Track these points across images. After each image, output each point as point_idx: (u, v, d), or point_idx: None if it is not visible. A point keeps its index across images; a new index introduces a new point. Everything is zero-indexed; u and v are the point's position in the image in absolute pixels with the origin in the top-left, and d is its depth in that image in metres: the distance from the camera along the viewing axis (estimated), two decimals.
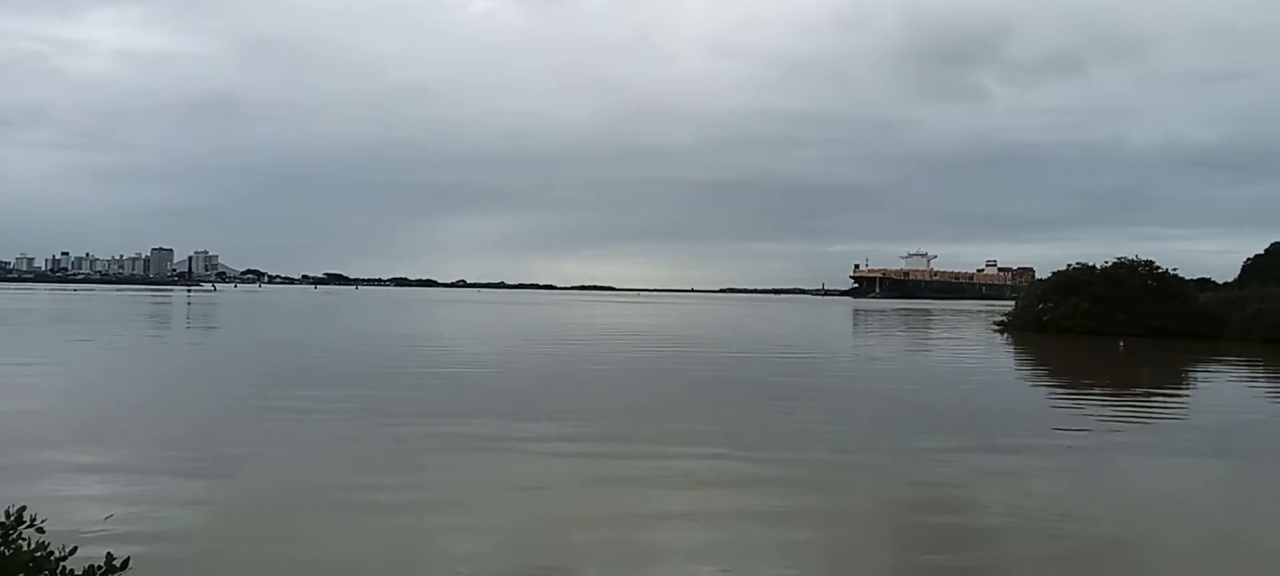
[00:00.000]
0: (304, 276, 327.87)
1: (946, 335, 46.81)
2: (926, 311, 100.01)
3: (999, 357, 31.82)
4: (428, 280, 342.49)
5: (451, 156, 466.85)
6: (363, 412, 14.83)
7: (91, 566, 3.62)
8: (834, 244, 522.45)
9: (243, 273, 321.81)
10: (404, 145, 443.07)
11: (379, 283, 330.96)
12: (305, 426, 13.44)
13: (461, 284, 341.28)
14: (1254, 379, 25.79)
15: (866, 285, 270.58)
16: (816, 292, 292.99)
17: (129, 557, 3.74)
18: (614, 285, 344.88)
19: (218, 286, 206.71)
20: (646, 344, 35.43)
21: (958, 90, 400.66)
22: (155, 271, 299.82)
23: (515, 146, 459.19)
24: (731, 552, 7.49)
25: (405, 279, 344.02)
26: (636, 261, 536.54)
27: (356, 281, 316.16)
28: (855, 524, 8.75)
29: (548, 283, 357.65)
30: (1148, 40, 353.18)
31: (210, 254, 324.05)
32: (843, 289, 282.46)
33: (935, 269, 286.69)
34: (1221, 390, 22.75)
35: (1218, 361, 30.49)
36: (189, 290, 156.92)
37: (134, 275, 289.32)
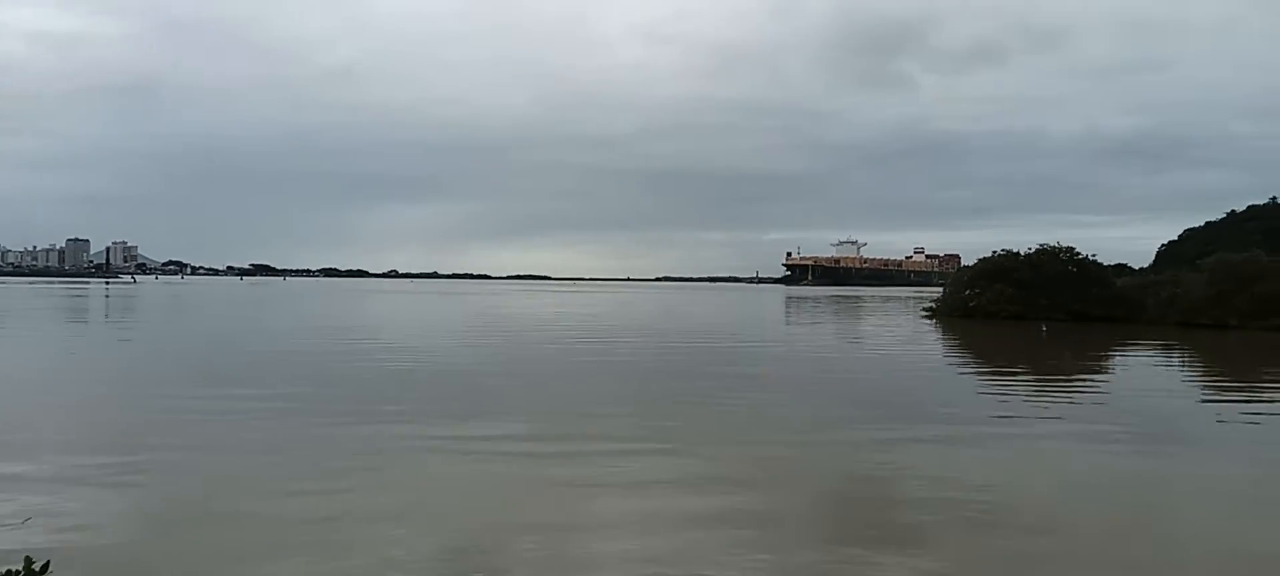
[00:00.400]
0: (229, 267, 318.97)
1: (878, 322, 47.71)
2: (858, 298, 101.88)
3: (930, 344, 32.48)
4: (359, 270, 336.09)
5: (383, 143, 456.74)
6: (291, 413, 14.35)
7: (7, 571, 3.41)
8: (769, 232, 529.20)
9: (164, 264, 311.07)
10: (333, 131, 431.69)
11: (308, 273, 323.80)
12: (230, 429, 12.84)
13: (393, 274, 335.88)
14: (1168, 362, 26.83)
15: (799, 273, 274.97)
16: (751, 280, 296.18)
17: (48, 562, 3.49)
18: (551, 275, 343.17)
19: (137, 278, 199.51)
20: (584, 335, 35.23)
21: (887, 79, 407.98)
22: (71, 263, 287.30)
23: (450, 133, 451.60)
24: (673, 558, 7.40)
25: (335, 269, 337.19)
26: (574, 250, 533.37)
27: (285, 272, 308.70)
28: (796, 521, 8.71)
29: (483, 272, 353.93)
30: (1066, 31, 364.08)
31: (129, 244, 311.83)
32: (777, 277, 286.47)
33: (865, 256, 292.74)
34: (1140, 373, 23.62)
35: (1135, 343, 31.70)
36: (107, 282, 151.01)
37: (48, 267, 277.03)
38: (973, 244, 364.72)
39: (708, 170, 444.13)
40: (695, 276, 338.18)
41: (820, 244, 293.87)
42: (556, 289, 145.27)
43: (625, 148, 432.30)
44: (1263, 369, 24.36)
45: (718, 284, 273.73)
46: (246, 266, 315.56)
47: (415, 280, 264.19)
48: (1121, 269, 70.04)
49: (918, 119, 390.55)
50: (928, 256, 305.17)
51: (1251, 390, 19.73)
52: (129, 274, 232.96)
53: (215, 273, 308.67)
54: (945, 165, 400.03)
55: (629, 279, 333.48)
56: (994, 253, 53.10)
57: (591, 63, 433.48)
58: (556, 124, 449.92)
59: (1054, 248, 50.85)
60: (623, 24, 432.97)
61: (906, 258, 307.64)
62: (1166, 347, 30.55)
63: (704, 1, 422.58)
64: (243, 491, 9.42)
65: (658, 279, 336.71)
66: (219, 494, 9.32)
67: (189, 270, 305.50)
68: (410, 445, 11.93)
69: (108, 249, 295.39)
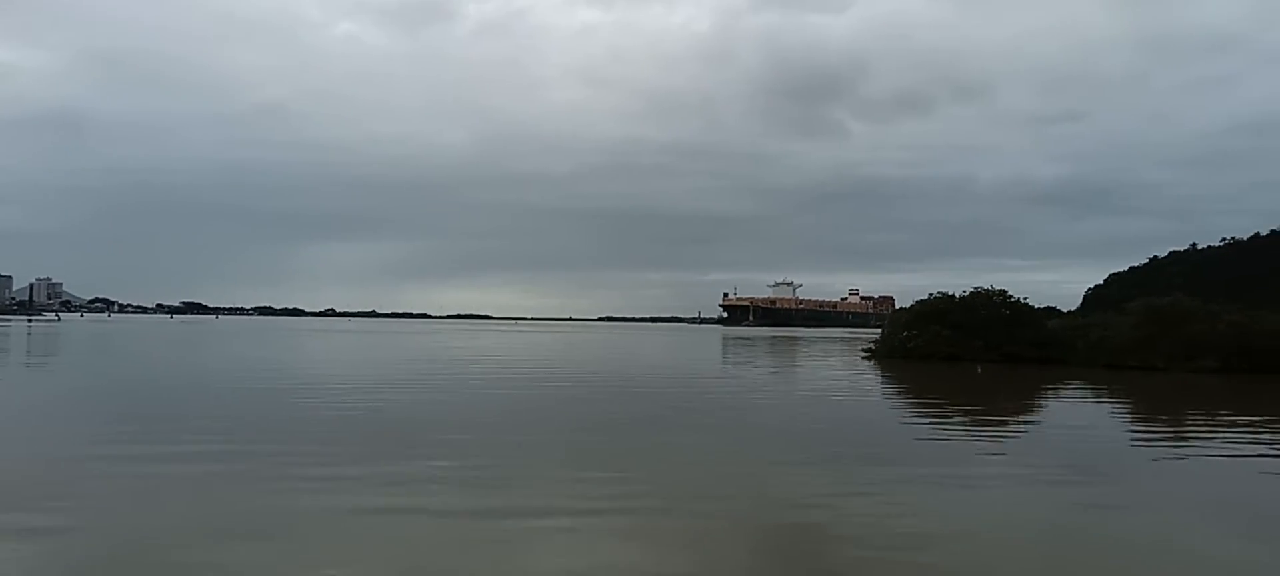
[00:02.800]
0: (159, 305, 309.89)
1: (822, 363, 48.06)
2: (798, 339, 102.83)
3: (872, 386, 32.75)
4: (294, 309, 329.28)
5: (319, 181, 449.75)
6: (219, 474, 13.77)
7: None
8: (710, 273, 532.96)
9: (90, 301, 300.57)
10: (266, 169, 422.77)
11: (241, 312, 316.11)
12: (148, 483, 12.17)
13: (331, 313, 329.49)
14: (1099, 403, 27.45)
15: (740, 313, 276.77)
16: (693, 320, 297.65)
17: None
18: (492, 314, 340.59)
19: (62, 315, 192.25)
20: (529, 377, 34.82)
21: (819, 126, 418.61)
22: None
23: (388, 172, 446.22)
24: None
25: (270, 308, 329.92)
26: (515, 290, 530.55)
27: (217, 310, 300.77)
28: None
29: (423, 312, 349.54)
30: (988, 83, 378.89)
31: (53, 281, 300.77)
32: (718, 317, 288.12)
33: (800, 297, 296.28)
34: (1072, 413, 24.07)
35: (1067, 385, 32.42)
36: (29, 320, 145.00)
37: None
38: (907, 286, 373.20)
39: (648, 211, 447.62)
40: (637, 316, 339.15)
41: (757, 285, 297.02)
42: (498, 329, 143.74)
43: (565, 188, 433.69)
44: (1188, 410, 25.01)
45: (659, 324, 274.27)
46: (177, 304, 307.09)
47: (353, 319, 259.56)
48: (1051, 311, 71.86)
49: (851, 164, 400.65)
50: (862, 298, 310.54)
51: (1179, 432, 20.20)
52: (53, 311, 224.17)
53: (144, 310, 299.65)
54: (878, 209, 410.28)
55: (571, 319, 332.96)
56: (930, 295, 54.13)
57: (529, 104, 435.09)
58: (496, 163, 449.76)
59: (988, 291, 51.99)
60: (558, 67, 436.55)
61: (841, 299, 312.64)
62: (1097, 389, 31.29)
63: (639, 48, 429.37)
64: (152, 553, 8.92)
65: (599, 319, 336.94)
66: (127, 556, 8.82)
67: (116, 307, 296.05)
68: (347, 499, 11.44)
69: (31, 285, 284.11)
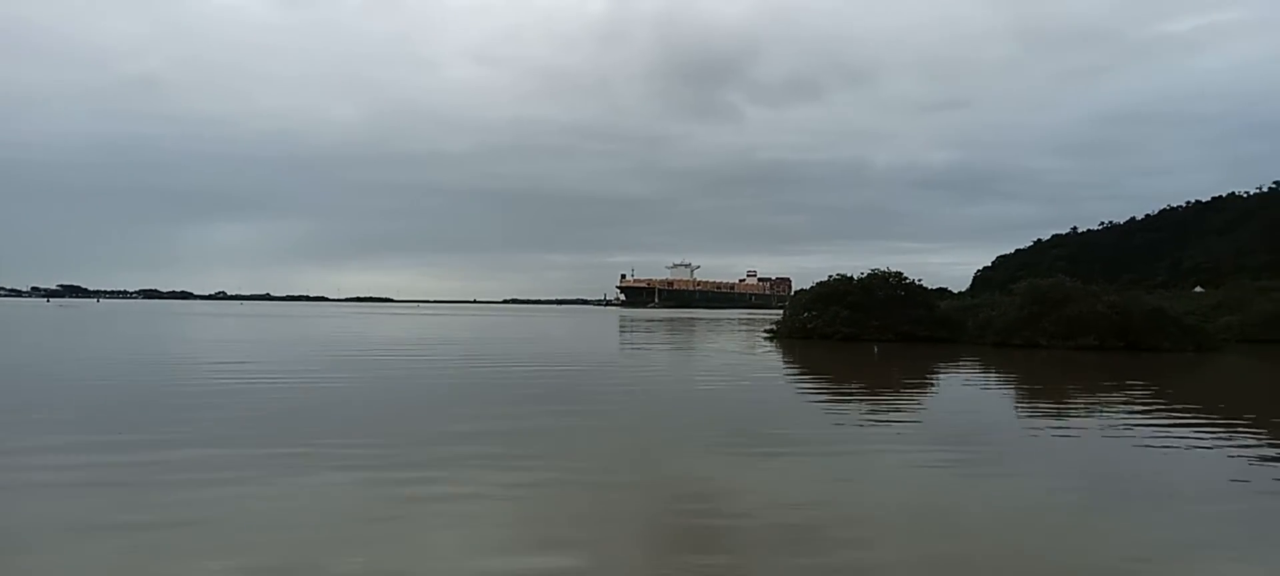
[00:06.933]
0: (34, 288, 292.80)
1: (725, 344, 48.65)
2: (702, 320, 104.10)
3: (774, 365, 33.31)
4: (183, 292, 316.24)
5: (200, 157, 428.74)
6: (94, 483, 13.08)
7: None
8: (615, 255, 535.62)
9: None
10: (142, 144, 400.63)
11: (125, 295, 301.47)
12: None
13: (222, 296, 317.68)
14: (986, 380, 28.60)
15: (645, 294, 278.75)
16: (599, 303, 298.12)
17: None
18: (393, 297, 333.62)
19: None
20: (431, 360, 34.16)
21: (715, 110, 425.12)
22: None
23: (275, 148, 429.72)
24: None
25: (156, 291, 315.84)
26: (417, 272, 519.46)
27: (98, 293, 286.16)
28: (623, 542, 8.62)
29: (320, 294, 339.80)
30: (875, 70, 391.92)
31: None
32: (618, 299, 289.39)
33: (699, 278, 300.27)
34: (961, 390, 25.01)
35: (958, 362, 33.71)
36: None
37: None
38: (804, 267, 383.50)
39: (550, 193, 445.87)
40: (543, 299, 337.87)
41: (657, 267, 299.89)
42: (400, 312, 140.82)
43: (464, 167, 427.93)
44: (1068, 386, 26.29)
45: (566, 306, 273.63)
46: (54, 287, 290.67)
47: (246, 302, 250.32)
48: (943, 292, 74.68)
49: (747, 148, 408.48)
50: (760, 279, 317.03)
51: (1059, 407, 21.20)
52: None
53: (18, 294, 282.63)
54: (776, 192, 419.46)
55: (475, 301, 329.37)
56: (829, 277, 55.59)
57: (421, 81, 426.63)
58: (389, 141, 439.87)
59: (884, 273, 53.68)
60: (451, 45, 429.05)
61: (740, 280, 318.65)
62: (985, 366, 32.62)
63: (533, 27, 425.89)
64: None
65: (505, 301, 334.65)
66: None
67: None
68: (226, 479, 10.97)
69: None
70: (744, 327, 75.16)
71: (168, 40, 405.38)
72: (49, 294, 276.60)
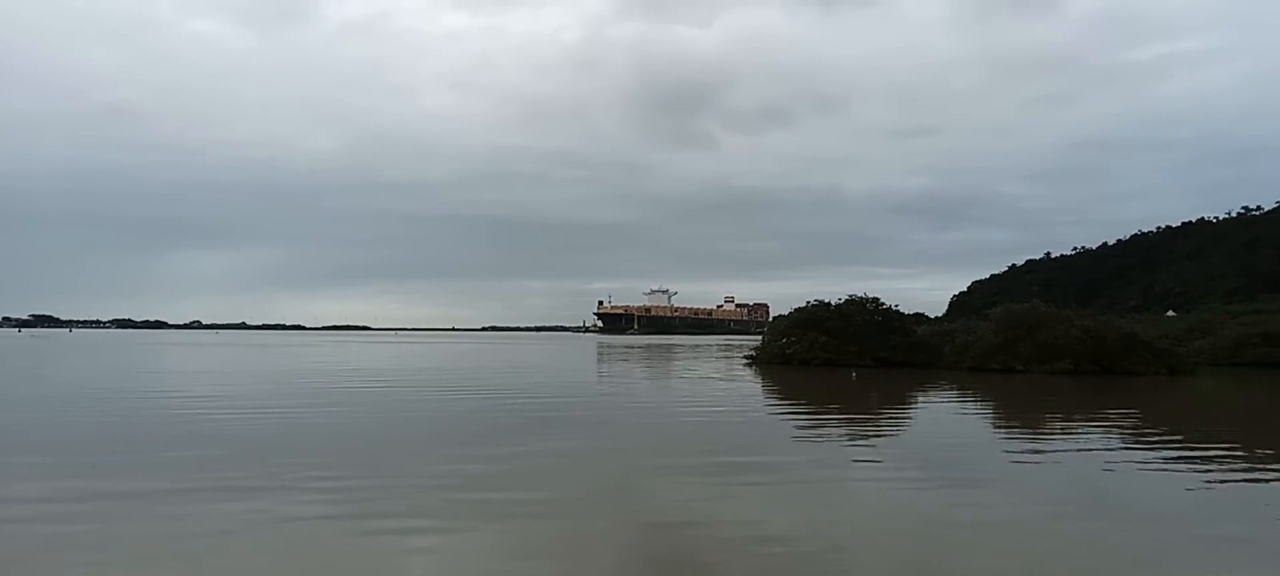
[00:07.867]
0: (6, 319, 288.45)
1: (704, 370, 48.67)
2: (680, 346, 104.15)
3: (753, 391, 33.37)
4: (157, 321, 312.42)
5: (175, 185, 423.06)
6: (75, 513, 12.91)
7: None
8: (593, 281, 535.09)
9: None
10: (116, 172, 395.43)
11: (98, 325, 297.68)
12: None
13: (196, 325, 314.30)
14: (964, 404, 28.81)
15: (623, 321, 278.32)
16: (577, 329, 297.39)
17: None
18: (371, 325, 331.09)
19: None
20: (415, 390, 33.97)
21: (690, 137, 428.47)
22: None
23: (250, 176, 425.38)
24: None
25: (130, 320, 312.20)
26: (394, 299, 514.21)
27: (71, 323, 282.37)
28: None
29: (297, 323, 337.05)
30: (846, 97, 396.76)
31: None
32: (596, 326, 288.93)
33: (676, 305, 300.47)
34: (939, 414, 25.19)
35: (935, 387, 33.95)
36: None
37: None
38: (782, 293, 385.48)
39: (527, 220, 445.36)
40: (521, 326, 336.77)
41: (634, 293, 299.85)
42: (377, 340, 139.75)
43: (441, 195, 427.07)
44: (1044, 410, 26.54)
45: (545, 333, 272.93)
46: (25, 317, 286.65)
47: (221, 331, 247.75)
48: (920, 317, 75.45)
49: (723, 175, 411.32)
50: (738, 305, 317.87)
51: (1035, 431, 21.42)
52: None
53: None
54: (752, 218, 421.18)
55: (454, 328, 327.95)
56: (807, 303, 55.90)
57: (397, 108, 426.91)
58: (365, 169, 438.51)
59: (862, 298, 54.08)
60: (426, 72, 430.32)
61: (718, 306, 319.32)
62: (962, 391, 32.87)
63: (508, 54, 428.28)
64: None
65: (483, 328, 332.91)
66: None
67: None
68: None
69: None
70: (723, 354, 75.20)
71: (143, 68, 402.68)
72: (21, 324, 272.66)
